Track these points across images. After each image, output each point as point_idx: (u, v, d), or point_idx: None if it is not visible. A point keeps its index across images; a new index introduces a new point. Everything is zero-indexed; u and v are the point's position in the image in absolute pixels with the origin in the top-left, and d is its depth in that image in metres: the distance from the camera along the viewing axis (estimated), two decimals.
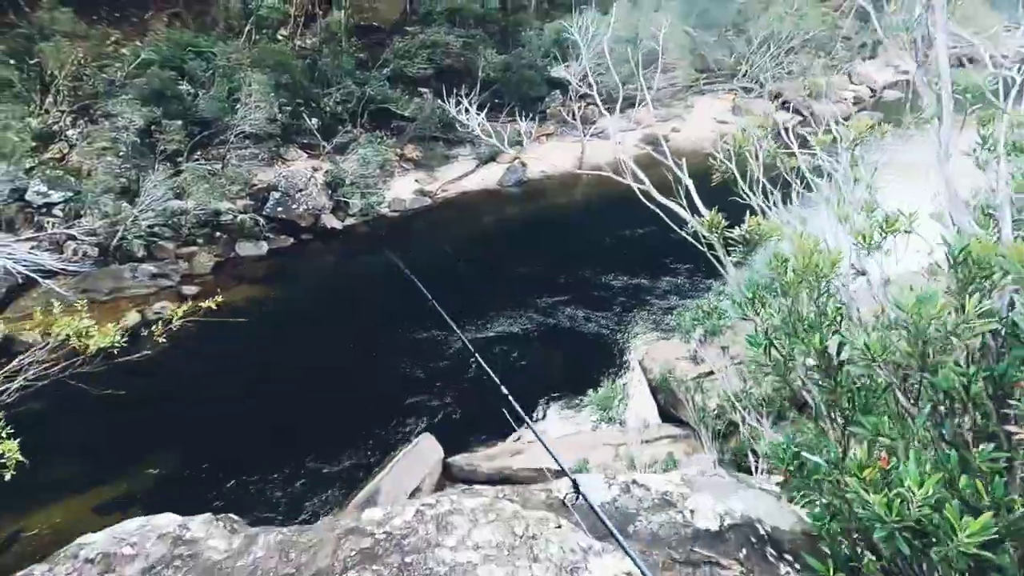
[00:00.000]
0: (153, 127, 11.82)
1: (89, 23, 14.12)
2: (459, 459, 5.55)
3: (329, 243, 11.92)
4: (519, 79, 16.58)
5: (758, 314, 1.82)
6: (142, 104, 11.88)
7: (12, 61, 12.85)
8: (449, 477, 5.50)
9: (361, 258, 11.42)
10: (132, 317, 8.72)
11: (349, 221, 12.65)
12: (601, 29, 11.35)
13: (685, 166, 2.87)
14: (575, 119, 15.78)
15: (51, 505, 5.32)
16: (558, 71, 16.10)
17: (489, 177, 15.30)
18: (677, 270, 9.71)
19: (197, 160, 12.13)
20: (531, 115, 18.52)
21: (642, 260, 10.05)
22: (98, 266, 9.70)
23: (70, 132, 12.08)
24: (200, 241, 10.93)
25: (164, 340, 9.07)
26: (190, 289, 9.67)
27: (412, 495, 4.90)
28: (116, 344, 3.33)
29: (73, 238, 9.89)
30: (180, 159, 11.85)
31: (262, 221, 11.58)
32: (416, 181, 14.52)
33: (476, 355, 2.30)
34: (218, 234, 11.17)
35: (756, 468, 3.69)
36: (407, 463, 5.19)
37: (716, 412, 4.90)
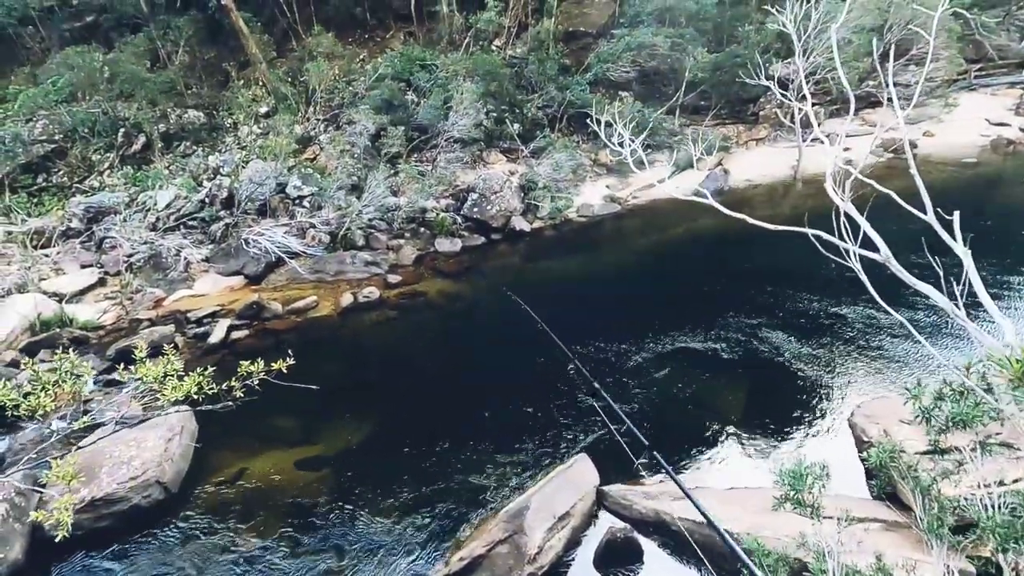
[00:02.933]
0: (381, 132, 13.52)
1: (344, 44, 16.75)
2: (614, 489, 5.19)
3: (516, 244, 12.34)
4: (730, 79, 15.23)
5: None
6: (374, 112, 13.69)
7: (289, 79, 15.87)
8: (602, 506, 5.20)
9: (543, 262, 11.60)
10: (347, 298, 10.06)
11: (537, 224, 12.95)
12: (834, 18, 9.78)
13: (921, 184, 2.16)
14: (793, 122, 13.99)
15: (264, 453, 6.33)
16: (777, 69, 14.41)
17: (685, 184, 14.36)
18: (912, 303, 7.93)
19: (412, 162, 13.57)
20: (740, 118, 16.95)
21: (857, 290, 8.43)
22: (328, 251, 11.39)
23: (322, 137, 14.45)
24: (407, 235, 12.18)
25: (373, 319, 10.16)
26: (394, 278, 10.81)
27: (561, 518, 4.73)
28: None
29: (313, 226, 11.78)
30: (399, 161, 13.36)
31: (459, 220, 12.47)
32: (607, 187, 14.28)
33: (604, 398, 2.00)
34: (422, 229, 12.33)
35: None
36: (560, 483, 5.02)
37: (956, 506, 3.80)
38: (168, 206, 12.35)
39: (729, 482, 5.25)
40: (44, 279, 10.32)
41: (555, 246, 12.41)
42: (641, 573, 4.55)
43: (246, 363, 3.81)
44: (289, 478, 6.04)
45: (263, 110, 15.29)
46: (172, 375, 3.89)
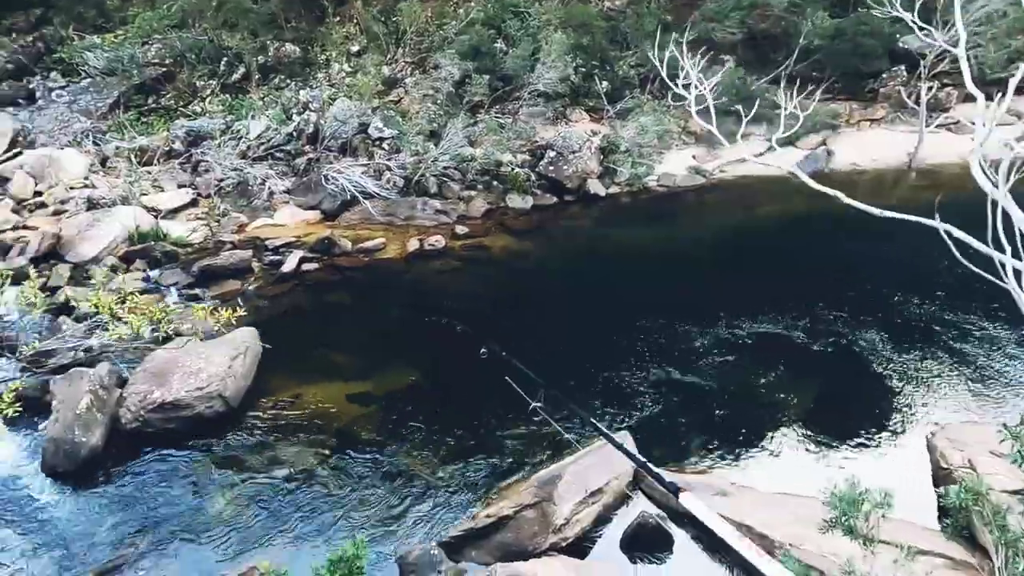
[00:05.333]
0: (465, 79, 13.29)
1: None
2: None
3: (588, 208, 11.95)
4: (851, 49, 13.69)
5: None
6: (461, 58, 13.42)
7: (382, 19, 15.84)
8: (638, 488, 5.05)
9: (616, 230, 11.18)
10: (413, 243, 10.18)
11: (613, 189, 12.45)
12: None
13: None
14: (918, 103, 12.45)
15: (319, 383, 6.62)
16: (910, 40, 12.76)
17: (780, 162, 13.25)
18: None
19: (493, 113, 13.31)
20: (855, 94, 15.26)
21: (977, 297, 7.52)
22: (401, 195, 11.50)
23: (407, 80, 14.43)
24: (479, 187, 12.07)
25: (436, 268, 10.30)
26: (462, 229, 10.81)
27: (593, 494, 4.63)
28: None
29: (389, 169, 11.90)
30: (480, 111, 13.14)
31: (533, 177, 12.18)
32: (693, 157, 13.43)
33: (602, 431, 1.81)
34: (495, 183, 12.15)
35: None
36: (597, 458, 4.91)
37: None
38: (259, 136, 12.85)
39: (778, 485, 4.93)
40: (145, 194, 11.12)
41: (630, 214, 11.92)
42: (669, 563, 4.40)
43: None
44: (339, 409, 6.29)
45: (355, 48, 15.41)
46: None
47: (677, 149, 13.58)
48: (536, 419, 5.99)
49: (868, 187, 12.55)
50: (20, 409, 5.18)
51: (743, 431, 5.92)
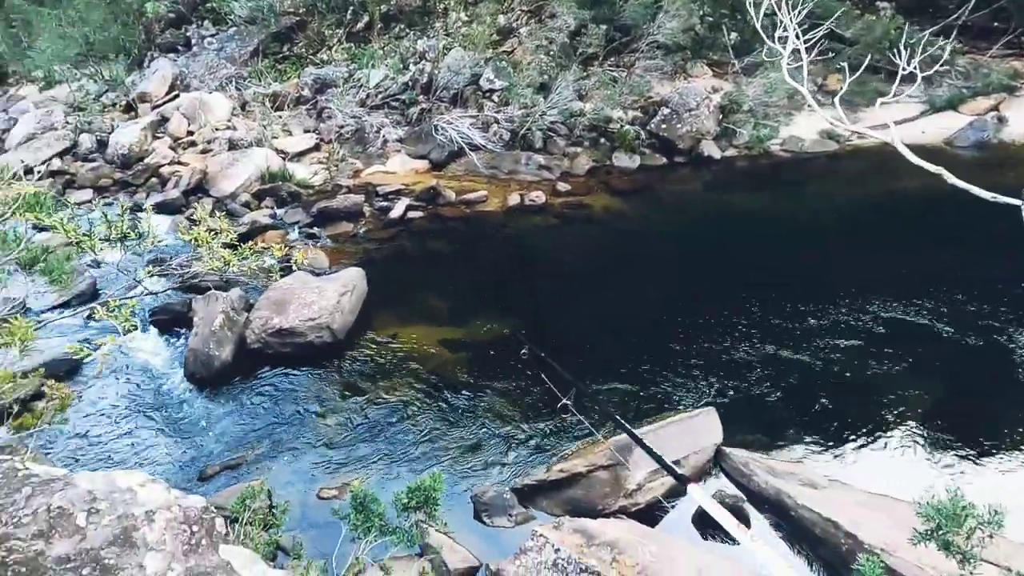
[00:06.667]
0: (581, 29, 12.80)
1: None
2: (737, 454, 4.82)
3: (700, 172, 11.26)
4: None
5: None
6: (578, 7, 12.90)
7: None
8: (719, 467, 4.90)
9: (729, 196, 10.46)
10: (514, 198, 10.24)
11: (729, 152, 11.60)
12: None
13: None
14: None
15: (416, 325, 7.01)
16: None
17: (934, 130, 11.56)
18: None
19: (607, 66, 12.75)
20: None
21: None
22: (506, 149, 11.53)
23: (522, 30, 14.16)
24: (585, 144, 11.77)
25: (534, 223, 10.32)
26: (563, 186, 10.67)
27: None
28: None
29: (497, 121, 11.93)
30: (593, 63, 12.65)
31: (643, 135, 11.65)
32: (828, 120, 12.05)
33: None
34: (602, 140, 11.79)
35: None
36: (678, 430, 4.80)
37: None
38: (377, 85, 13.37)
39: (879, 486, 4.55)
40: (276, 138, 12.08)
41: (746, 180, 11.09)
42: (742, 546, 4.26)
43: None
44: (433, 352, 6.64)
45: None
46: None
47: (809, 110, 12.25)
48: (622, 385, 5.98)
49: None
50: (160, 319, 6.05)
51: (847, 423, 5.48)
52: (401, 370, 6.33)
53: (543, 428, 5.50)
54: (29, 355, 3.97)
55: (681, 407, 5.52)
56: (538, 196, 10.18)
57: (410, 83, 13.03)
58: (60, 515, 1.45)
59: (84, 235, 3.73)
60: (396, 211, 9.80)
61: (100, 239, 3.90)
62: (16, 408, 3.71)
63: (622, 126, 11.73)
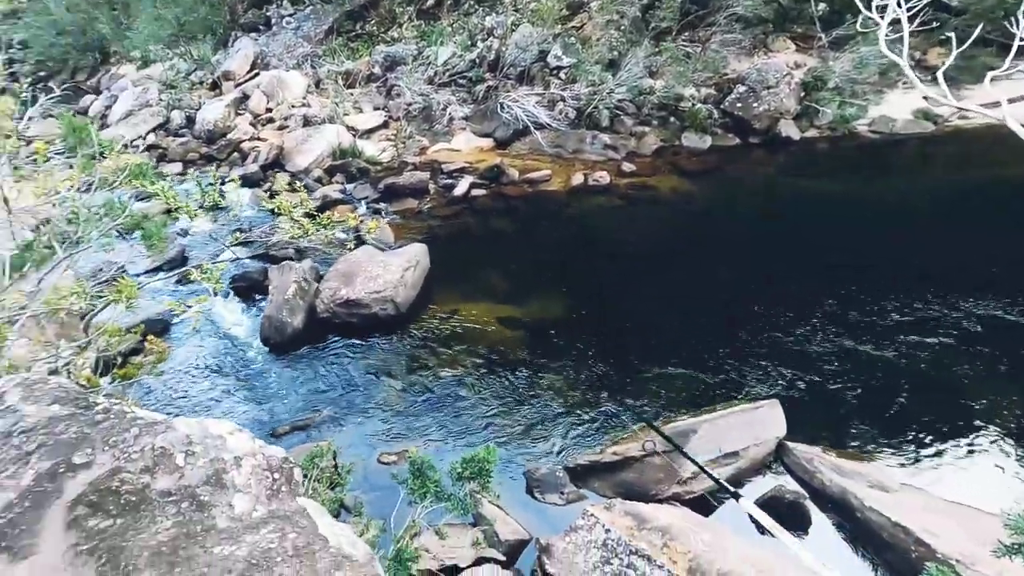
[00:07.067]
0: (655, 3, 12.31)
1: None
2: (801, 449, 4.64)
3: (775, 153, 10.67)
4: None
5: None
6: None
7: None
8: (780, 461, 4.73)
9: (806, 181, 9.87)
10: (578, 178, 10.11)
11: (810, 133, 10.91)
12: None
13: None
14: None
15: (476, 302, 7.12)
16: None
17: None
18: None
19: (681, 41, 12.22)
20: None
21: None
22: (571, 128, 11.36)
23: (592, 4, 13.77)
24: (654, 123, 11.41)
25: (598, 204, 10.17)
26: (629, 166, 10.42)
27: (727, 456, 4.46)
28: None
29: (563, 99, 11.76)
30: (666, 38, 12.15)
31: (716, 114, 11.15)
32: (925, 98, 11.08)
33: None
34: (671, 119, 11.38)
35: None
36: (738, 421, 4.66)
37: None
38: (445, 63, 13.45)
39: (958, 495, 4.25)
40: (347, 115, 12.45)
41: (827, 163, 10.41)
42: (801, 544, 4.12)
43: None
44: (491, 329, 6.74)
45: None
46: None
47: (904, 87, 11.31)
48: (684, 371, 5.86)
49: None
50: (239, 286, 6.47)
51: (927, 426, 5.13)
52: (460, 345, 6.47)
53: (597, 410, 5.49)
54: (130, 314, 4.35)
55: (745, 396, 5.35)
56: (602, 176, 10.00)
57: (477, 60, 13.03)
58: (162, 454, 1.61)
59: (181, 203, 4.03)
60: (460, 189, 9.91)
61: (196, 207, 4.21)
62: (119, 360, 4.10)
63: (693, 104, 11.26)
